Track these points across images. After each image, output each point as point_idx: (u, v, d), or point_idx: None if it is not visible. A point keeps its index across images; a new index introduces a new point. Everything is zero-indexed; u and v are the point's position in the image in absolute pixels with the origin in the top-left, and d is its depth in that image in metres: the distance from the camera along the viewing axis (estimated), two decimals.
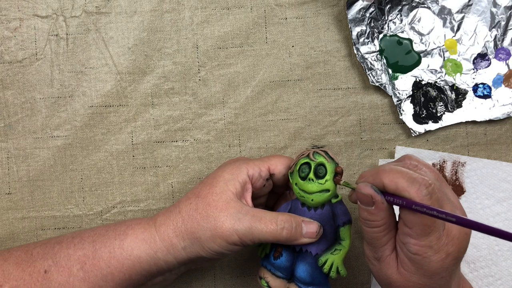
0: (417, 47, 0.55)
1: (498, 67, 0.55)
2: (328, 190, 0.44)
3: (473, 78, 0.55)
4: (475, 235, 0.54)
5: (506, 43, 0.55)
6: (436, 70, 0.55)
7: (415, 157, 0.43)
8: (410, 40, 0.55)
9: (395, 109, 0.55)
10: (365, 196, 0.40)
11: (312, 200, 0.44)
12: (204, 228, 0.43)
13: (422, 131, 0.55)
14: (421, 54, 0.55)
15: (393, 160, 0.48)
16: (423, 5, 0.55)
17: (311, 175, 0.44)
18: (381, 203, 0.40)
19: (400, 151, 0.54)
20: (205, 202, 0.44)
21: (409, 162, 0.42)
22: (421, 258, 0.39)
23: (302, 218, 0.44)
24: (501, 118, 0.55)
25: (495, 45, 0.55)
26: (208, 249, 0.43)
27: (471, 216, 0.54)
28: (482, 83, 0.55)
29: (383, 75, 0.54)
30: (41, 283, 0.44)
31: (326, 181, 0.44)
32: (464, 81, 0.55)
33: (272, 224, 0.43)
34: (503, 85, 0.55)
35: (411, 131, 0.55)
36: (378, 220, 0.41)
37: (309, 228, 0.44)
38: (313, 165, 0.45)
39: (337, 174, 0.44)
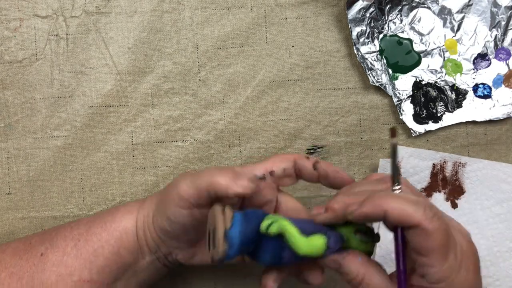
0: (417, 47, 0.55)
1: (498, 67, 0.55)
2: None
3: (473, 78, 0.55)
4: (474, 237, 0.54)
5: (506, 43, 0.55)
6: (436, 70, 0.55)
7: (379, 174, 0.42)
8: (410, 40, 0.55)
9: (395, 109, 0.55)
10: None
11: None
12: (170, 193, 0.42)
13: (422, 131, 0.55)
14: (421, 54, 0.55)
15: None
16: (423, 5, 0.55)
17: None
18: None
19: (401, 150, 0.54)
20: (183, 175, 0.43)
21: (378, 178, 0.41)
22: (446, 283, 0.36)
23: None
24: (501, 118, 0.55)
25: (495, 45, 0.55)
26: (170, 213, 0.42)
27: (471, 216, 0.54)
28: (482, 83, 0.55)
29: (383, 75, 0.54)
30: (36, 266, 0.44)
31: None
32: (464, 81, 0.55)
33: (231, 172, 0.41)
34: (503, 85, 0.55)
35: (411, 131, 0.55)
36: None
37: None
38: None
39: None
